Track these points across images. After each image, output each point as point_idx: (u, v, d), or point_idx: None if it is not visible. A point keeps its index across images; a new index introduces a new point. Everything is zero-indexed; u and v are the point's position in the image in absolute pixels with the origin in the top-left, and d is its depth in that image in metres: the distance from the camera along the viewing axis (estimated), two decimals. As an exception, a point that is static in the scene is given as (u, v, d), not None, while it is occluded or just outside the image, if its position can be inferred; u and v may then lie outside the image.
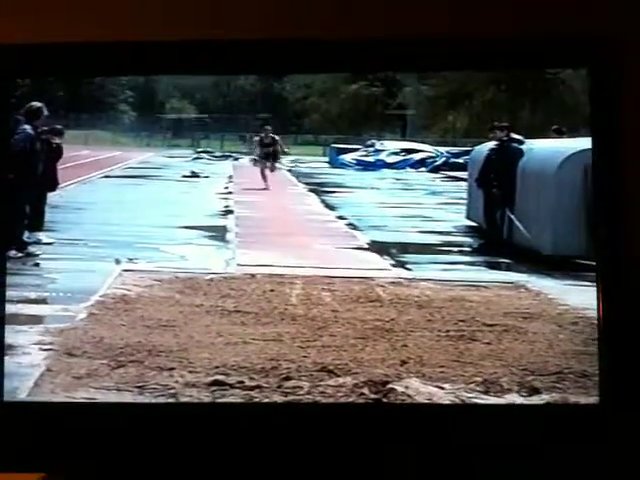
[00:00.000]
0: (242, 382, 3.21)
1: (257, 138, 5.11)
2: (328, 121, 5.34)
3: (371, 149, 5.39)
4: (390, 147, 5.36)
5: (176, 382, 3.20)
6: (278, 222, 4.96)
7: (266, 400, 3.14)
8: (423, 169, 5.36)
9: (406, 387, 3.17)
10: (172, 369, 3.28)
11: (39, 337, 3.46)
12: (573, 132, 4.12)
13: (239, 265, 4.29)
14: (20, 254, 3.99)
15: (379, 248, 4.55)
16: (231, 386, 3.20)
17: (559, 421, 2.93)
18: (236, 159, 5.46)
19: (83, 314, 3.69)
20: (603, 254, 2.92)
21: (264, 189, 5.24)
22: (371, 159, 5.37)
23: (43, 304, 3.80)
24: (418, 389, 3.17)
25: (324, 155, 5.57)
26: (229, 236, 4.71)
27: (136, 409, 3.10)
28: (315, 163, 5.59)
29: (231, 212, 5.03)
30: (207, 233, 4.70)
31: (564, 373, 3.22)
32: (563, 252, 3.89)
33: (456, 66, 3.33)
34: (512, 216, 4.24)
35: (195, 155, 5.47)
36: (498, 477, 2.84)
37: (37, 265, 4.08)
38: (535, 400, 3.14)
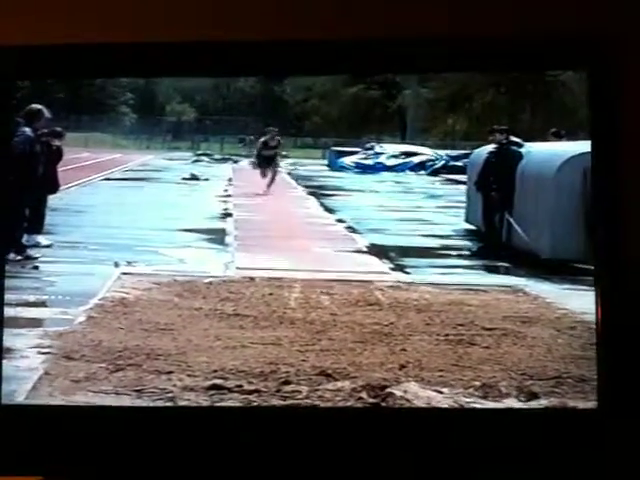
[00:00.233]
0: (241, 386, 3.21)
1: (262, 139, 5.10)
2: (328, 123, 5.35)
3: (370, 152, 5.39)
4: (390, 150, 5.36)
5: (174, 386, 3.20)
6: (277, 225, 4.96)
7: (265, 404, 3.14)
8: (422, 172, 5.36)
9: (405, 391, 3.16)
10: (170, 373, 3.27)
11: (38, 340, 3.45)
12: (573, 135, 4.11)
13: (238, 268, 4.29)
14: (19, 257, 3.99)
15: (378, 251, 4.55)
16: (229, 390, 3.19)
17: (557, 426, 2.92)
18: (236, 162, 5.47)
19: (82, 317, 3.68)
20: (601, 258, 2.91)
21: (264, 193, 5.23)
22: (370, 162, 5.37)
23: (42, 307, 3.79)
24: (417, 393, 3.17)
25: (323, 158, 5.57)
26: (228, 239, 4.70)
27: (134, 412, 3.10)
28: (314, 166, 5.59)
29: (230, 215, 5.03)
30: (206, 236, 4.70)
31: (562, 378, 3.21)
32: (561, 255, 3.89)
33: (456, 67, 3.32)
34: (511, 219, 4.24)
35: (195, 158, 5.48)
36: (496, 481, 2.84)
37: (36, 268, 4.08)
38: (533, 405, 3.14)
